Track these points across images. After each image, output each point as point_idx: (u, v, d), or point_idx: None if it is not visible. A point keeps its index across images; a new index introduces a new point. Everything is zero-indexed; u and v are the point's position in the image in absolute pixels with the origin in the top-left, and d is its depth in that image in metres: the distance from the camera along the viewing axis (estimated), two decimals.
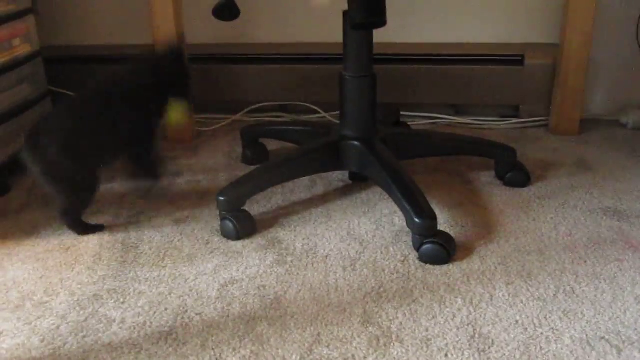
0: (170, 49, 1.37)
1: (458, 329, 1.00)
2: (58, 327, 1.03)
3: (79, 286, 1.13)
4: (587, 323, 1.00)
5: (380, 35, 1.33)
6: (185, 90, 1.37)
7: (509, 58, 1.79)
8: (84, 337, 1.01)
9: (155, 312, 1.06)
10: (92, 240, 1.28)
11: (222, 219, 1.28)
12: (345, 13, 1.29)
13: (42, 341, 1.00)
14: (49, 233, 1.32)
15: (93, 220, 1.34)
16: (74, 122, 1.27)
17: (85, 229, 1.32)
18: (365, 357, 0.95)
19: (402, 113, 1.79)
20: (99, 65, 1.93)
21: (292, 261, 1.19)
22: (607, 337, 0.97)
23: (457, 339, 0.98)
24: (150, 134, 1.36)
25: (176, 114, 1.36)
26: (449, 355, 0.95)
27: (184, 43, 1.37)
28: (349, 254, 1.21)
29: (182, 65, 1.36)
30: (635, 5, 1.72)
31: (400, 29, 1.84)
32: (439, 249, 1.16)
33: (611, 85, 1.83)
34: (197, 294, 1.10)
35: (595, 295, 1.07)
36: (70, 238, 1.29)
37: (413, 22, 1.84)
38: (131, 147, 1.34)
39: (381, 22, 1.21)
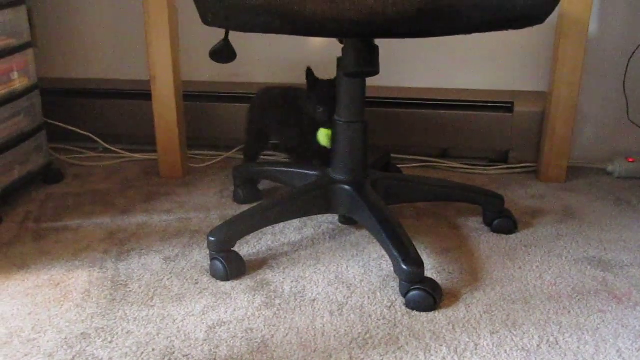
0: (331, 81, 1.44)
1: None
2: None
3: (67, 324, 1.14)
4: None
5: (373, 79, 1.36)
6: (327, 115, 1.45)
7: (499, 105, 1.82)
8: None
9: (142, 353, 1.06)
10: (81, 277, 1.29)
11: (212, 259, 1.29)
12: (339, 60, 1.32)
13: None
14: (39, 267, 1.32)
15: (83, 255, 1.35)
16: (261, 99, 1.69)
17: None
18: None
19: (392, 155, 1.81)
20: (95, 99, 1.95)
21: (280, 304, 1.20)
22: None
23: None
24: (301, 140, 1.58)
25: (322, 136, 1.47)
26: None
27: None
28: (336, 298, 1.22)
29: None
30: (623, 55, 1.76)
31: (394, 73, 1.87)
32: (425, 295, 1.17)
33: (598, 134, 1.86)
34: (185, 335, 1.11)
35: (578, 347, 1.08)
36: (60, 273, 1.30)
37: (407, 67, 1.87)
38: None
39: (374, 71, 1.24)
